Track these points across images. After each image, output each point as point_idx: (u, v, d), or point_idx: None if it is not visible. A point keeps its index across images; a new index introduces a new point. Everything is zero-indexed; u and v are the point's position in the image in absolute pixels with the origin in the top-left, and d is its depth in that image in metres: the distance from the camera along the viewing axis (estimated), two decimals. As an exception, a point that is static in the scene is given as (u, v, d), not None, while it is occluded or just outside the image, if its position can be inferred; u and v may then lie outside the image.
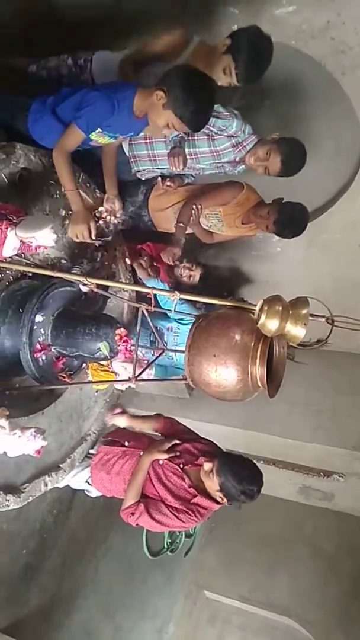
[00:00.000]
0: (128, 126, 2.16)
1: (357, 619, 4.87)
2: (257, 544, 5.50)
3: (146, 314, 1.91)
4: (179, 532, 4.94)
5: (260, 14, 2.74)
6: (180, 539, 4.98)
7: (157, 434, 2.59)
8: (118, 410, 2.60)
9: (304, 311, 1.54)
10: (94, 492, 2.54)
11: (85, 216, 2.19)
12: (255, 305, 1.60)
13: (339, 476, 4.63)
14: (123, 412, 2.64)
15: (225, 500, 2.12)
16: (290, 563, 5.34)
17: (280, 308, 1.53)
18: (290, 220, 2.72)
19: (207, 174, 2.93)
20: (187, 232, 2.86)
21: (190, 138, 2.68)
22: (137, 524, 2.18)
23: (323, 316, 1.63)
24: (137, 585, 4.60)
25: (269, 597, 5.23)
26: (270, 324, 1.53)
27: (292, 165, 2.61)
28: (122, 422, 2.60)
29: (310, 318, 1.57)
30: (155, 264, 3.04)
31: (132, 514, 2.14)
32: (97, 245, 2.33)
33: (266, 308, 1.55)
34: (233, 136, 2.65)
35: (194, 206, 2.78)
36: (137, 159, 2.78)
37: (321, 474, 4.72)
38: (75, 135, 2.05)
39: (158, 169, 2.83)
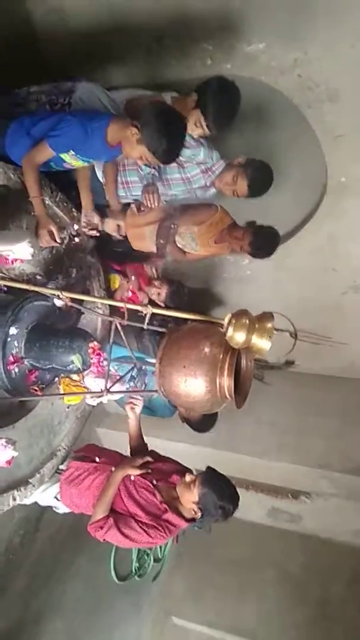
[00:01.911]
0: (101, 153, 2.27)
1: (323, 643, 4.87)
2: (226, 568, 5.46)
3: (119, 327, 1.97)
4: (147, 556, 4.90)
5: (232, 51, 2.90)
6: (148, 563, 4.92)
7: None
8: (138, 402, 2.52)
9: (269, 325, 1.63)
10: (62, 509, 2.52)
11: (46, 221, 2.26)
12: (224, 319, 1.69)
13: (306, 497, 4.71)
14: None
15: (198, 514, 2.12)
16: (258, 587, 5.31)
17: (247, 321, 1.62)
18: (264, 242, 2.87)
19: (180, 198, 3.05)
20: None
21: (162, 166, 2.79)
22: (104, 539, 2.16)
23: (287, 330, 1.73)
24: (104, 610, 4.51)
25: (237, 622, 5.17)
26: (237, 336, 1.61)
27: (258, 187, 2.75)
28: (137, 412, 2.53)
29: (275, 332, 1.66)
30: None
31: (101, 527, 2.12)
32: (60, 244, 2.40)
33: (234, 321, 1.63)
34: (202, 163, 2.78)
35: (171, 225, 2.88)
36: None
37: (289, 495, 4.78)
38: (44, 152, 2.15)
39: (131, 195, 2.90)
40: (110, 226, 2.58)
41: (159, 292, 3.27)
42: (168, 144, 2.04)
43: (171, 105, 2.21)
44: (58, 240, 2.30)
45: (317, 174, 3.32)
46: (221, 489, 2.12)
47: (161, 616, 5.29)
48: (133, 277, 3.19)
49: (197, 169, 2.80)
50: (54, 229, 2.26)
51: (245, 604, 5.26)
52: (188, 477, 2.16)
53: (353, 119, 2.91)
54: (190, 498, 2.12)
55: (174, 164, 2.77)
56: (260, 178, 2.74)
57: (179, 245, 3.14)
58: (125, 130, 2.06)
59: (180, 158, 2.72)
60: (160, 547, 5.14)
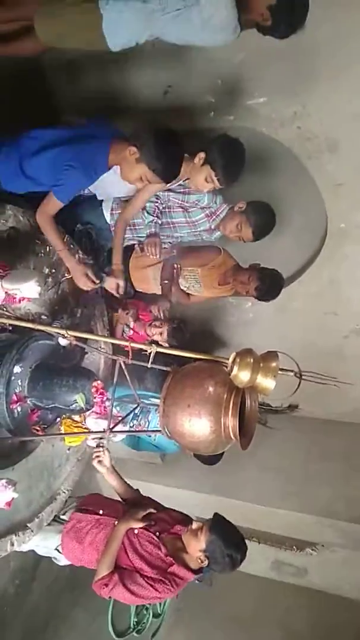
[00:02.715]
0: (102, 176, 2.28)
1: None
2: (227, 624, 5.23)
3: (123, 366, 1.98)
4: (146, 611, 4.70)
5: (234, 104, 3.05)
6: (147, 618, 4.71)
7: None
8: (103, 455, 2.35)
9: (274, 364, 1.63)
10: (62, 561, 2.42)
11: (81, 269, 2.34)
12: (228, 358, 1.70)
13: (312, 549, 4.55)
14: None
15: (205, 562, 2.06)
16: (261, 646, 5.08)
17: (252, 360, 1.62)
18: (270, 286, 2.92)
19: (186, 241, 3.12)
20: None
21: (167, 210, 2.88)
22: (109, 596, 2.08)
23: (291, 370, 1.73)
24: (100, 669, 4.28)
25: None
26: (242, 375, 1.61)
27: (262, 231, 2.84)
28: (106, 464, 2.36)
29: (280, 372, 1.66)
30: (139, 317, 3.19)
31: (106, 585, 2.05)
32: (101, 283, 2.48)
33: (238, 360, 1.63)
34: (206, 207, 2.87)
35: (175, 265, 2.94)
36: None
37: (294, 547, 4.63)
38: (54, 205, 2.17)
39: (137, 237, 2.98)
40: (110, 284, 2.62)
41: (160, 331, 3.28)
42: (168, 160, 2.07)
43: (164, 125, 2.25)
44: (96, 281, 2.38)
45: (318, 220, 3.41)
46: (229, 537, 2.07)
47: None
48: (131, 311, 3.21)
49: (201, 213, 2.88)
50: (88, 272, 2.34)
51: (248, 664, 5.00)
52: (195, 525, 2.11)
53: (352, 168, 3.02)
54: (197, 547, 2.06)
55: (178, 208, 2.86)
56: (263, 223, 2.83)
57: (182, 287, 3.19)
58: (124, 151, 2.06)
59: (185, 203, 2.83)
60: (160, 603, 4.94)
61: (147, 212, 2.81)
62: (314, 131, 2.98)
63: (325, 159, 3.04)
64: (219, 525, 2.09)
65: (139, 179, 2.13)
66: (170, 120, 3.17)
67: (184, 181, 2.71)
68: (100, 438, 2.31)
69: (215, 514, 2.16)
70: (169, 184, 2.61)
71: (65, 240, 2.37)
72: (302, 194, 3.39)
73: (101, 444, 2.32)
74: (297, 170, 3.22)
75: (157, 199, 2.80)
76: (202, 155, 2.46)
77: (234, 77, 2.96)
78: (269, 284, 2.91)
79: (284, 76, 2.83)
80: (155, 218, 2.82)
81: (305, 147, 3.06)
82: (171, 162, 2.11)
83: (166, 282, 2.96)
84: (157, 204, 2.81)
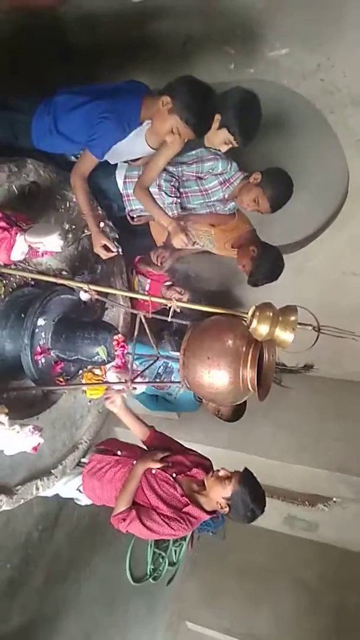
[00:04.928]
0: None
1: (339, 652, 4.82)
2: (240, 574, 5.45)
3: (144, 320, 2.02)
4: (162, 559, 4.91)
5: (255, 55, 2.95)
6: (163, 566, 4.93)
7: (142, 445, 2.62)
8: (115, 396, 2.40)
9: (293, 318, 1.66)
10: (84, 500, 2.55)
11: (100, 237, 2.36)
12: (248, 312, 1.72)
13: (324, 505, 4.67)
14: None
15: (225, 509, 2.14)
16: (273, 595, 5.28)
17: (271, 314, 1.65)
18: (260, 279, 2.98)
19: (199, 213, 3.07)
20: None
21: (180, 179, 2.82)
22: (127, 531, 2.19)
23: (310, 325, 1.75)
24: (118, 612, 4.52)
25: (251, 629, 5.15)
26: (261, 329, 1.65)
27: (280, 203, 2.76)
28: (116, 403, 2.40)
29: (299, 326, 1.69)
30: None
31: (124, 519, 2.16)
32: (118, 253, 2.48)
33: (258, 314, 1.67)
34: (220, 174, 2.80)
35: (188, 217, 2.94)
36: (131, 197, 2.82)
37: (306, 502, 4.75)
38: (90, 161, 2.20)
39: None
40: (176, 242, 2.58)
41: (180, 297, 3.30)
42: (200, 111, 2.06)
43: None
44: (114, 251, 2.40)
45: (339, 177, 3.35)
46: (255, 492, 2.14)
47: (175, 620, 5.29)
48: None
49: (215, 180, 2.81)
50: (107, 243, 2.36)
51: (259, 611, 5.23)
52: (223, 472, 2.18)
53: (376, 122, 2.94)
54: (221, 493, 2.13)
55: (192, 177, 2.82)
56: (281, 194, 2.74)
57: (197, 245, 3.18)
58: (157, 104, 2.06)
59: (199, 173, 2.78)
60: (175, 551, 5.16)
61: (166, 194, 2.75)
62: (337, 84, 2.88)
63: (348, 113, 2.95)
64: (249, 480, 2.15)
65: (170, 132, 2.12)
66: (190, 73, 3.12)
67: (197, 151, 2.68)
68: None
69: (246, 469, 2.23)
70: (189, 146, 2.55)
71: (93, 204, 2.39)
72: (324, 150, 3.32)
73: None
74: (319, 125, 3.14)
75: (172, 177, 2.76)
76: (217, 117, 2.40)
77: (255, 27, 2.86)
78: (261, 276, 2.95)
79: (307, 25, 2.72)
80: (175, 198, 2.78)
81: (328, 100, 2.96)
82: (203, 114, 2.10)
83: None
84: (172, 183, 2.76)
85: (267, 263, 2.93)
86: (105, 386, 2.32)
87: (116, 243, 2.46)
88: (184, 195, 2.89)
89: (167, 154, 2.52)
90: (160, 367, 3.19)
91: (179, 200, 2.80)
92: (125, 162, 2.77)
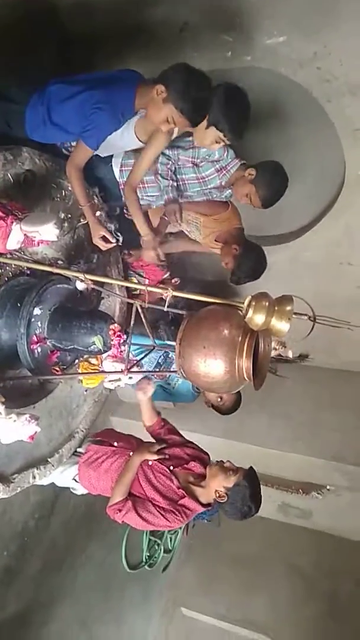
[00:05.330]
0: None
1: (333, 638, 4.89)
2: (235, 562, 5.52)
3: (140, 310, 2.02)
4: (158, 547, 4.96)
5: (252, 43, 2.93)
6: (159, 553, 4.99)
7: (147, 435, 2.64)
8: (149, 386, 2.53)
9: (289, 307, 1.66)
10: (79, 490, 2.57)
11: (98, 228, 2.34)
12: (244, 302, 1.73)
13: (318, 493, 4.72)
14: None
15: (223, 499, 2.14)
16: (267, 582, 5.36)
17: (267, 304, 1.65)
18: (248, 274, 3.01)
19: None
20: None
21: (176, 163, 2.78)
22: (123, 521, 2.21)
23: (306, 314, 1.76)
24: (114, 599, 4.57)
25: (246, 615, 5.22)
26: (257, 318, 1.65)
27: (272, 201, 2.73)
28: (147, 393, 2.53)
29: (294, 316, 1.69)
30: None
31: (120, 510, 2.17)
32: (117, 243, 2.47)
33: (254, 303, 1.67)
34: (216, 161, 2.77)
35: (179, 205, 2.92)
36: None
37: (300, 490, 4.80)
38: (84, 152, 2.18)
39: (147, 196, 2.89)
40: (147, 257, 2.59)
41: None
42: (195, 100, 2.02)
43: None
44: (113, 242, 2.39)
45: (335, 167, 3.34)
46: (256, 491, 2.16)
47: (170, 606, 5.36)
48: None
49: (211, 167, 2.79)
50: (105, 234, 2.34)
51: (254, 597, 5.31)
52: (228, 464, 2.20)
53: (373, 112, 2.92)
54: (222, 482, 2.13)
55: (188, 164, 2.79)
56: (273, 194, 2.71)
57: (185, 231, 3.16)
58: (152, 91, 2.03)
59: (196, 159, 2.75)
60: (171, 539, 5.21)
61: (162, 177, 2.73)
62: (334, 72, 2.86)
63: (345, 103, 2.94)
64: (253, 479, 2.17)
65: (165, 121, 2.09)
66: (186, 60, 3.09)
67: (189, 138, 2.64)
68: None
69: (251, 467, 2.24)
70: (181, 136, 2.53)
71: (90, 195, 2.37)
72: (320, 139, 3.31)
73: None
74: (315, 114, 3.12)
75: (168, 159, 2.73)
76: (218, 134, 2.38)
77: (252, 14, 2.83)
78: (243, 274, 2.97)
79: (305, 13, 2.69)
80: (171, 181, 2.75)
81: (325, 89, 2.95)
82: (199, 103, 2.06)
83: (165, 218, 2.86)
84: (168, 166, 2.73)
85: (250, 262, 2.95)
86: (102, 375, 2.34)
87: (117, 233, 2.46)
88: (182, 182, 2.86)
89: (156, 146, 2.50)
90: (160, 356, 3.19)
91: (174, 184, 2.78)
92: None
